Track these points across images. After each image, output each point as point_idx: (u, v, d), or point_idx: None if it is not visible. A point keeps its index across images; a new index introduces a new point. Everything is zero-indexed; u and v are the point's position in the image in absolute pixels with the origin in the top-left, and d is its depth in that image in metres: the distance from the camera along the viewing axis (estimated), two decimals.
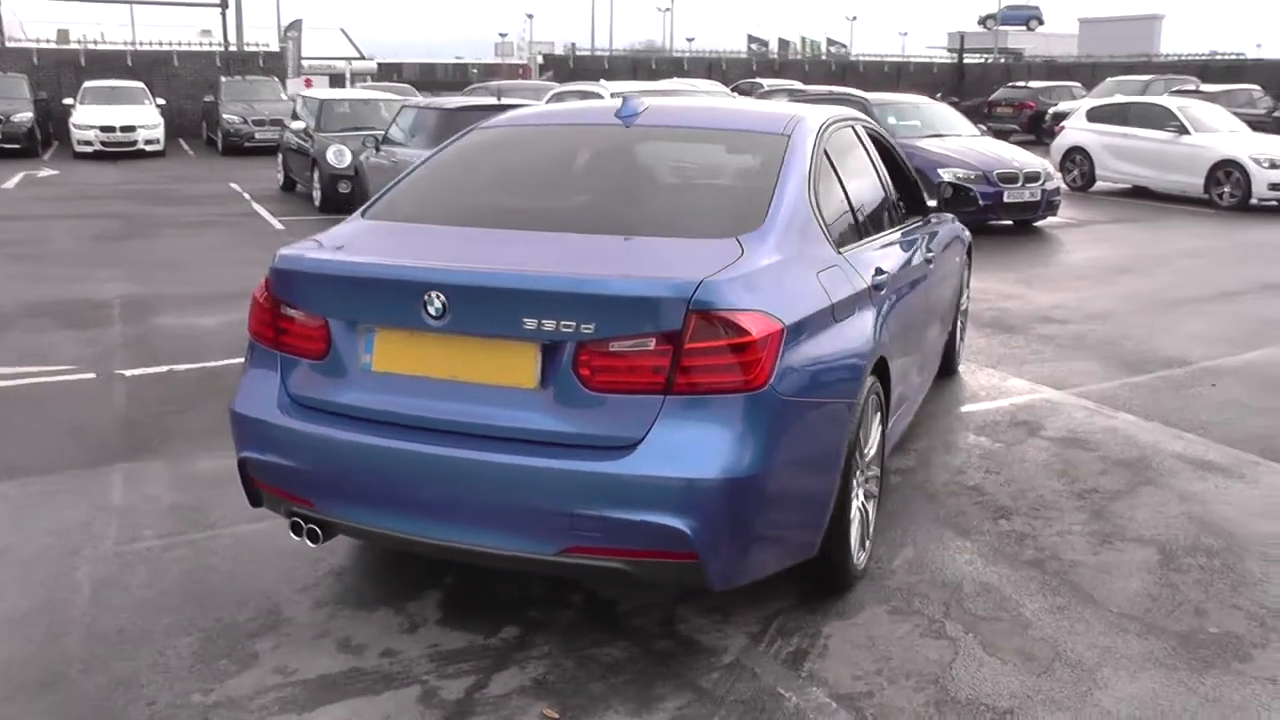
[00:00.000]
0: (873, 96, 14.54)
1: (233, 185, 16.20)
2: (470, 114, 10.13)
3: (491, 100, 10.65)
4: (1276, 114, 20.61)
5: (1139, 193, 16.01)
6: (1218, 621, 3.45)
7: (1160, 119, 15.71)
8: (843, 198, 3.81)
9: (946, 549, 3.95)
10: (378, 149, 11.04)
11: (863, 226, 3.92)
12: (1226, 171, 14.32)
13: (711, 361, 2.76)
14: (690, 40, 66.57)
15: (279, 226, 12.09)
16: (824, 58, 51.82)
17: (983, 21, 68.98)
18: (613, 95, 12.63)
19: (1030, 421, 5.43)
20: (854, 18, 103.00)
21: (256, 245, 10.81)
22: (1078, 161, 16.59)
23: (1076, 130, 17.09)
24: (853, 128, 4.33)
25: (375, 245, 3.32)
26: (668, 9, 73.07)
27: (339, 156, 12.80)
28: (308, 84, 28.21)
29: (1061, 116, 21.84)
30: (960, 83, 38.86)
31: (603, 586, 3.58)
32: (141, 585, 3.67)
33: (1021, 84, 32.19)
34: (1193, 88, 23.86)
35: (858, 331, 3.39)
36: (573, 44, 54.20)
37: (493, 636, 3.31)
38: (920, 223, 4.86)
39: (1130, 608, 3.52)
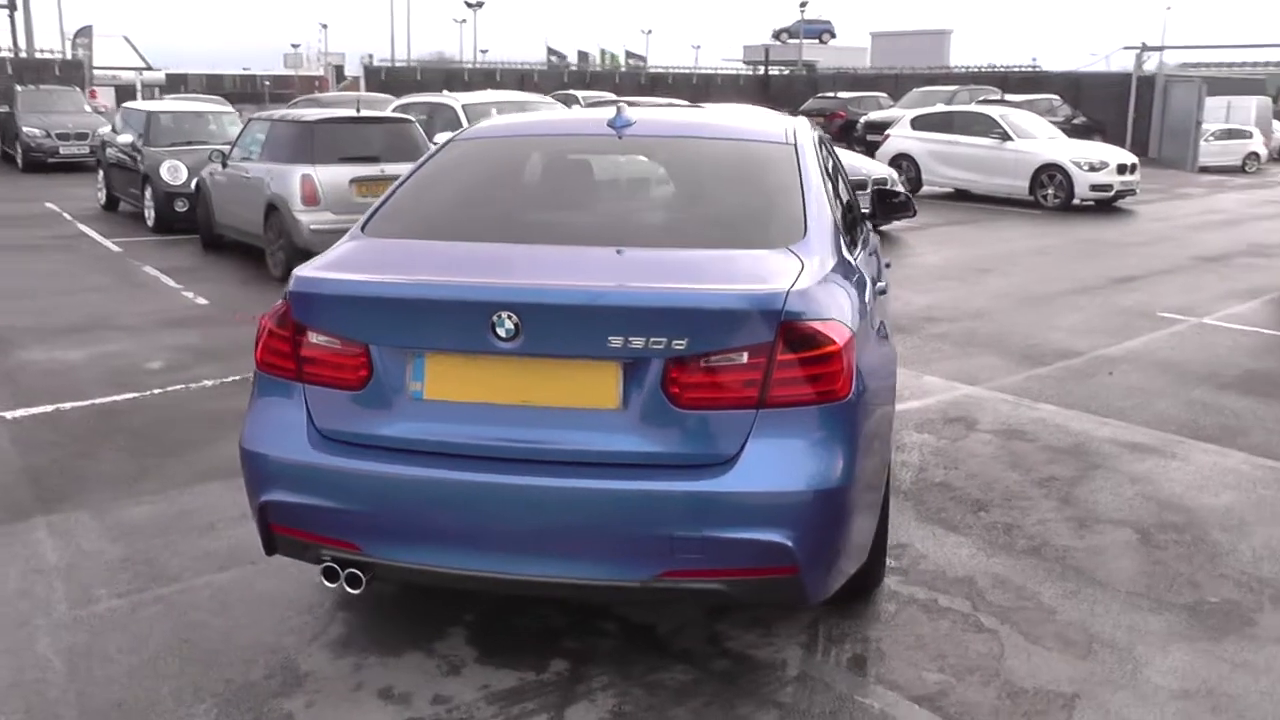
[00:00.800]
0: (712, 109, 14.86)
1: (49, 205, 14.82)
2: (333, 127, 9.70)
3: (352, 113, 10.20)
4: (1075, 121, 22.38)
5: (962, 196, 17.04)
6: (1213, 591, 3.67)
7: (984, 126, 16.85)
8: (838, 205, 3.85)
9: (943, 545, 4.04)
10: (224, 164, 10.38)
11: (854, 233, 3.97)
12: (1050, 175, 15.47)
13: (802, 373, 2.71)
14: (484, 52, 66.11)
15: (115, 249, 11.17)
16: (624, 69, 52.57)
17: (777, 35, 71.82)
18: (463, 106, 12.39)
19: (963, 417, 5.65)
20: (649, 31, 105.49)
21: (99, 270, 10.00)
22: (904, 168, 17.47)
23: (902, 138, 18.06)
24: (820, 136, 4.39)
25: (409, 263, 3.07)
26: (464, 20, 72.47)
27: (174, 173, 11.95)
28: (93, 95, 26.25)
29: (874, 125, 23.03)
30: (766, 93, 40.33)
31: (634, 610, 3.47)
32: (123, 651, 3.28)
33: (830, 94, 33.68)
34: (997, 97, 25.63)
35: (887, 337, 3.43)
36: (370, 55, 52.79)
37: (544, 671, 3.14)
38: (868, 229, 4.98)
39: (1134, 586, 3.71)
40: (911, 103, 29.70)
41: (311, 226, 9.09)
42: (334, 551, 2.91)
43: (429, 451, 2.81)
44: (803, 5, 56.83)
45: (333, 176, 9.21)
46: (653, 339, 2.66)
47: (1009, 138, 16.18)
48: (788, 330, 2.69)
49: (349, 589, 2.96)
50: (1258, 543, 4.06)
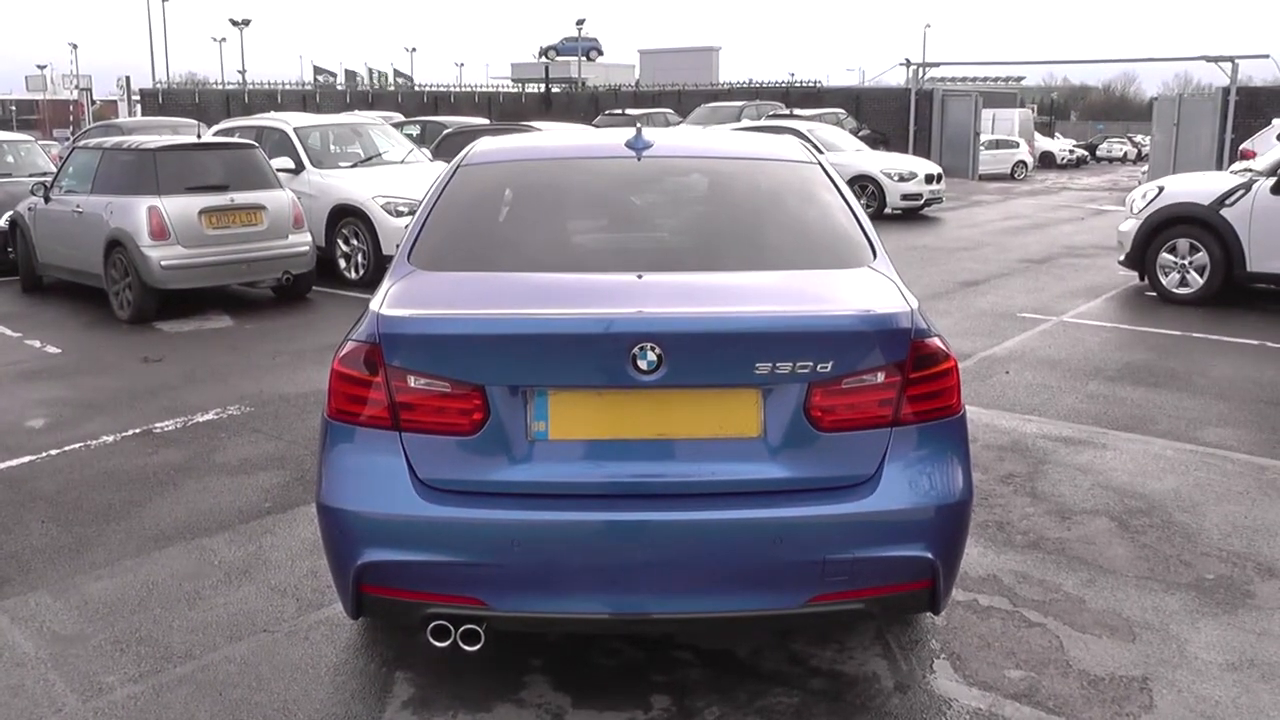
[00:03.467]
0: (543, 125, 14.91)
1: None
2: (177, 155, 9.01)
3: (194, 139, 9.52)
4: (861, 134, 23.78)
5: None
6: (1205, 569, 4.02)
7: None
8: None
9: None
10: (46, 198, 9.41)
11: None
12: (862, 185, 16.39)
13: (929, 389, 2.79)
14: (241, 72, 63.20)
15: None
16: (392, 88, 51.58)
17: (544, 52, 72.38)
18: (295, 130, 11.77)
19: None
20: (414, 49, 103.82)
21: None
22: None
23: None
24: None
25: (501, 297, 2.89)
26: (224, 39, 68.99)
27: None
28: None
29: None
30: (549, 110, 40.63)
31: (703, 637, 3.44)
32: None
33: (618, 111, 34.29)
34: (785, 112, 26.87)
35: None
36: (126, 77, 49.38)
37: (650, 709, 3.05)
38: None
39: (1138, 570, 4.01)
40: (700, 118, 30.72)
41: (163, 263, 8.43)
42: (449, 609, 2.71)
43: (556, 494, 2.68)
44: (580, 23, 57.71)
45: (181, 208, 8.58)
46: (799, 363, 2.66)
47: (820, 151, 17.00)
48: (916, 348, 2.77)
49: (464, 647, 2.76)
50: (1217, 520, 4.48)
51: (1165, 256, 9.17)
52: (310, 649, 3.44)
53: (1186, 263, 9.06)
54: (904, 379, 2.75)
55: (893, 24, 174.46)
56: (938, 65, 32.19)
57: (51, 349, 7.84)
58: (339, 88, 47.17)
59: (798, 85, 38.06)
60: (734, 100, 34.03)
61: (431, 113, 35.73)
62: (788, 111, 28.11)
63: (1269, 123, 17.25)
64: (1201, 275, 8.97)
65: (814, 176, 3.66)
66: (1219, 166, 21.68)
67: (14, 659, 3.41)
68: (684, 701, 3.10)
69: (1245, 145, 15.88)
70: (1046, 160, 38.77)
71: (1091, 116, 78.65)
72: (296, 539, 4.34)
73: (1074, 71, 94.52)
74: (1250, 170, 9.04)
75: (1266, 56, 25.50)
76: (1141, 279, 9.57)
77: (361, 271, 10.52)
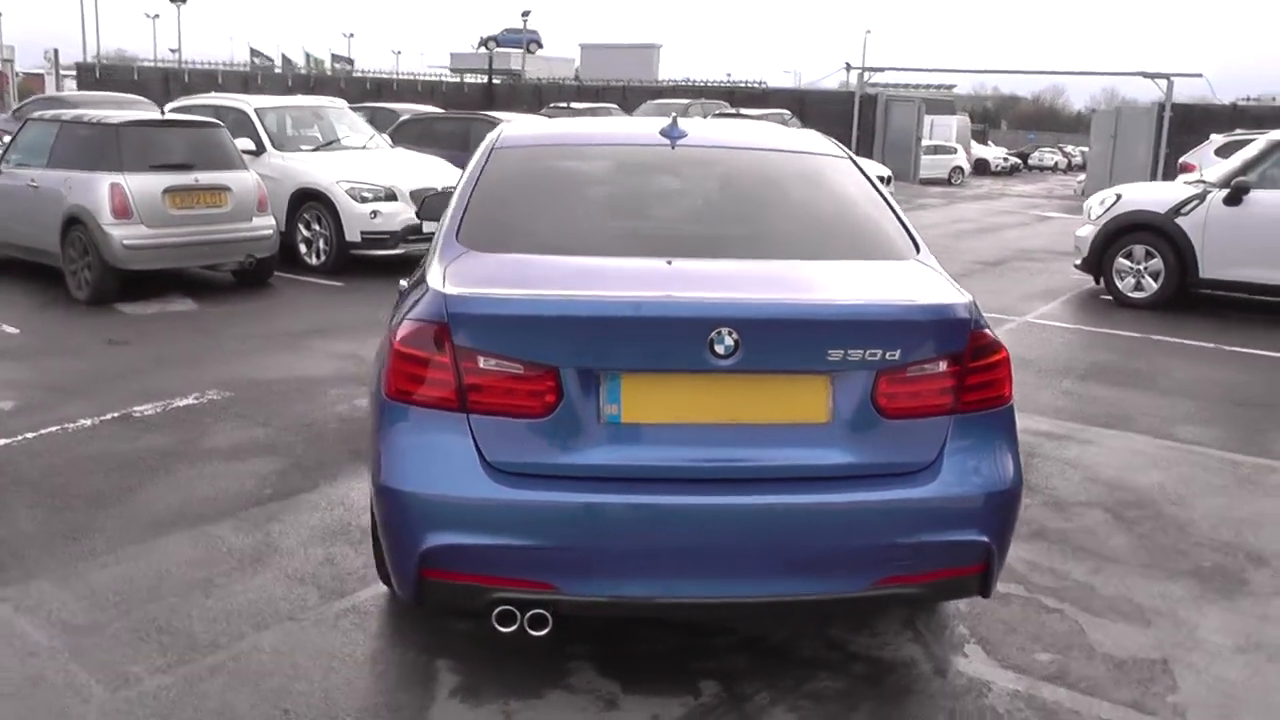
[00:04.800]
0: (509, 117, 14.82)
1: None
2: (141, 130, 8.75)
3: (156, 114, 9.24)
4: None
5: None
6: (1201, 558, 4.18)
7: None
8: None
9: None
10: None
11: None
12: None
13: (985, 379, 2.86)
14: (174, 51, 61.51)
15: None
16: (330, 73, 50.65)
17: (484, 43, 71.76)
18: (256, 110, 11.51)
19: None
20: (351, 34, 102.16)
21: None
22: None
23: None
24: None
25: (567, 279, 2.88)
26: (156, 16, 67.17)
27: None
28: None
29: None
30: (491, 102, 40.29)
31: (741, 624, 3.47)
32: None
33: (563, 105, 34.15)
34: (732, 111, 26.99)
35: None
36: (55, 50, 47.71)
37: (700, 695, 3.07)
38: None
39: (1138, 559, 4.15)
40: (646, 114, 30.84)
41: (125, 242, 8.18)
42: (518, 593, 2.70)
43: (628, 478, 2.69)
44: (525, 15, 57.14)
45: (144, 186, 8.33)
46: (869, 350, 2.70)
47: None
48: (974, 339, 2.83)
49: (531, 632, 2.74)
50: (1204, 512, 4.65)
51: (1121, 261, 9.47)
52: (342, 637, 3.39)
53: (1142, 268, 9.37)
54: (963, 368, 2.81)
55: (830, 29, 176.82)
56: (882, 70, 32.73)
57: (10, 329, 7.56)
58: (276, 71, 46.11)
59: (743, 85, 38.26)
60: (679, 98, 34.14)
61: (374, 99, 35.18)
62: (734, 111, 28.28)
63: (1206, 137, 17.88)
64: (1156, 281, 9.29)
65: (847, 169, 3.72)
66: (1154, 178, 22.45)
67: (26, 649, 3.29)
68: (733, 687, 3.12)
69: (1185, 159, 16.44)
70: (981, 167, 39.68)
71: (1021, 126, 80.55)
72: (305, 526, 4.26)
73: (1004, 81, 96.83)
74: (1204, 182, 9.38)
75: (1199, 75, 26.41)
76: (1097, 282, 9.86)
77: (323, 257, 10.34)
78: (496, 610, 2.72)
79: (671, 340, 2.66)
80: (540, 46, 76.04)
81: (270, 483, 4.74)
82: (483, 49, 70.07)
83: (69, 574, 3.81)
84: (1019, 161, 45.19)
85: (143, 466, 4.90)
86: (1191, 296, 9.33)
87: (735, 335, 2.62)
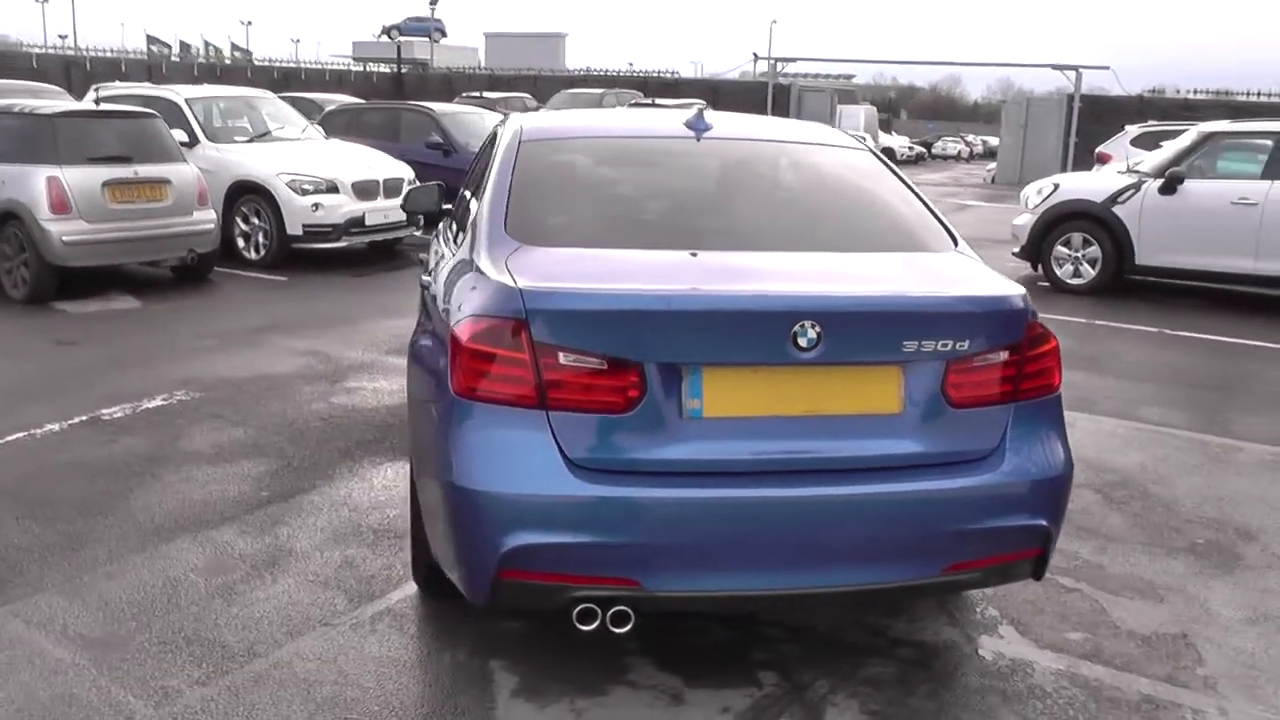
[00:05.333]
0: (441, 108, 14.62)
1: None
2: (78, 121, 8.38)
3: (93, 105, 8.83)
4: None
5: None
6: (1194, 535, 4.37)
7: None
8: None
9: None
10: None
11: None
12: None
13: (1039, 367, 2.94)
14: (63, 38, 58.98)
15: None
16: (229, 62, 49.19)
17: (386, 31, 70.51)
18: (188, 101, 11.10)
19: None
20: (249, 22, 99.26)
21: None
22: None
23: None
24: None
25: (635, 273, 2.86)
26: (46, 0, 64.24)
27: None
28: None
29: None
30: (400, 91, 39.63)
31: (785, 614, 3.50)
32: None
33: (476, 94, 33.77)
34: (648, 101, 27.02)
35: None
36: None
37: (763, 686, 3.10)
38: None
39: (1137, 538, 4.32)
40: (561, 103, 30.63)
41: (64, 238, 7.84)
42: (602, 591, 2.68)
43: (711, 472, 2.69)
44: (433, 4, 56.25)
45: (83, 180, 7.98)
46: (941, 341, 2.76)
47: None
48: (1030, 328, 2.91)
49: (614, 630, 2.73)
50: (1186, 491, 4.86)
51: (1060, 249, 9.80)
52: (383, 641, 3.32)
53: (1080, 255, 9.71)
54: (1022, 357, 2.89)
55: (733, 20, 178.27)
56: (794, 60, 33.19)
57: None
58: (175, 59, 44.49)
59: (655, 75, 38.34)
60: (592, 87, 34.06)
61: (282, 89, 34.29)
62: (649, 101, 28.31)
63: (1113, 128, 18.58)
64: (1093, 267, 9.64)
65: (872, 160, 3.78)
66: (1064, 168, 23.28)
67: (48, 666, 3.14)
68: (792, 676, 3.16)
69: (1101, 149, 17.04)
70: (887, 156, 40.42)
71: (921, 115, 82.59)
72: (314, 529, 4.15)
73: (902, 72, 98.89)
74: (1139, 172, 9.76)
75: (1107, 68, 27.46)
76: (1035, 269, 10.18)
77: (262, 251, 10.05)
78: (578, 609, 2.69)
79: (755, 333, 2.67)
80: (444, 35, 74.90)
81: (265, 485, 4.60)
82: (385, 37, 68.87)
83: (75, 586, 3.64)
84: (924, 150, 46.27)
85: (126, 472, 4.71)
86: (1127, 283, 9.71)
87: (818, 328, 2.64)
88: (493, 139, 4.66)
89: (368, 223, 10.31)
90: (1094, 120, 24.53)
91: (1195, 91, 27.27)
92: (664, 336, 2.67)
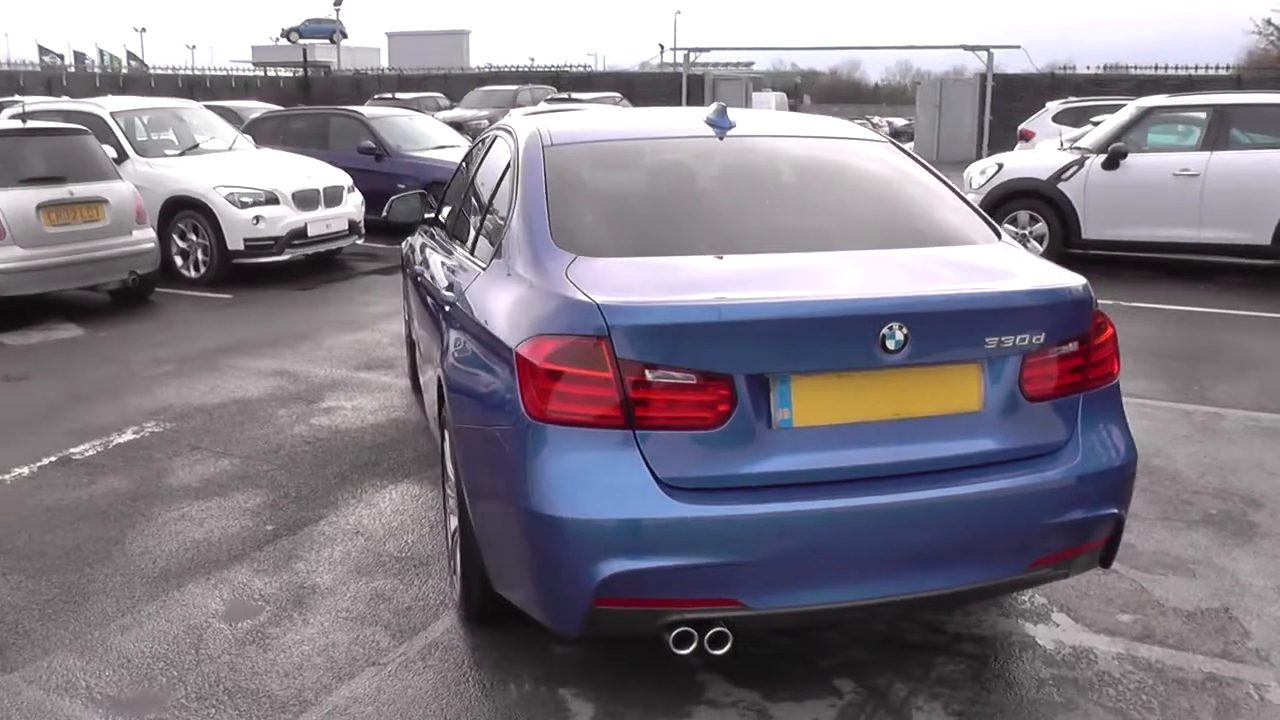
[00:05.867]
0: (371, 111, 14.31)
1: None
2: (7, 141, 7.91)
3: (20, 123, 8.32)
4: None
5: None
6: (1206, 505, 4.46)
7: None
8: None
9: None
10: None
11: None
12: None
13: (1102, 355, 2.94)
14: None
15: None
16: (125, 71, 47.49)
17: (286, 34, 68.87)
18: (113, 114, 10.60)
19: None
20: (143, 29, 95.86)
21: None
22: None
23: None
24: None
25: (707, 282, 2.78)
26: None
27: None
28: None
29: (459, 125, 23.18)
30: (308, 95, 38.71)
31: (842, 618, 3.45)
32: None
33: (388, 95, 33.15)
34: (565, 96, 26.84)
35: None
36: None
37: (843, 695, 3.05)
38: None
39: (1154, 512, 4.38)
40: (475, 102, 30.30)
41: (1, 267, 7.38)
42: (703, 613, 2.60)
43: (804, 483, 2.62)
44: (337, 5, 55.05)
45: (16, 203, 7.58)
46: (1020, 336, 2.74)
47: None
48: (1095, 317, 2.91)
49: (712, 651, 2.65)
50: (1186, 463, 4.96)
51: (1007, 226, 9.94)
52: (439, 676, 3.18)
53: (1027, 232, 9.90)
54: (1089, 346, 2.89)
55: (629, 11, 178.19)
56: (707, 50, 33.23)
57: None
58: (70, 70, 42.70)
59: (567, 69, 38.03)
60: (504, 84, 33.67)
61: (187, 98, 33.26)
62: (565, 95, 28.08)
63: (1026, 105, 19.02)
64: (1041, 243, 9.83)
65: (897, 153, 3.75)
66: (979, 146, 23.81)
67: None
68: (867, 682, 3.11)
69: (1024, 126, 17.44)
70: None
71: (823, 100, 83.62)
72: (332, 562, 3.97)
73: (800, 58, 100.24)
74: (1081, 149, 9.98)
75: (1018, 47, 28.14)
76: None
77: (202, 269, 9.66)
78: (675, 633, 2.60)
79: (844, 339, 2.62)
80: (345, 36, 73.49)
81: (267, 518, 4.39)
82: (285, 40, 67.24)
83: (88, 643, 3.41)
84: None
85: (114, 514, 4.45)
86: (1075, 256, 9.93)
87: (905, 329, 2.60)
88: (485, 145, 4.51)
89: (310, 234, 9.99)
90: (1008, 98, 25.11)
91: (1104, 67, 28.11)
92: (753, 346, 2.59)
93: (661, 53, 33.51)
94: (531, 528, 2.63)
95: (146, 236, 8.55)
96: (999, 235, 3.31)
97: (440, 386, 3.63)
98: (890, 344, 2.59)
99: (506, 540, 2.83)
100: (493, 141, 4.33)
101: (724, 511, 2.55)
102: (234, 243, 9.49)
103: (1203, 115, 9.54)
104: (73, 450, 5.22)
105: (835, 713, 2.96)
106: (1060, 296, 2.87)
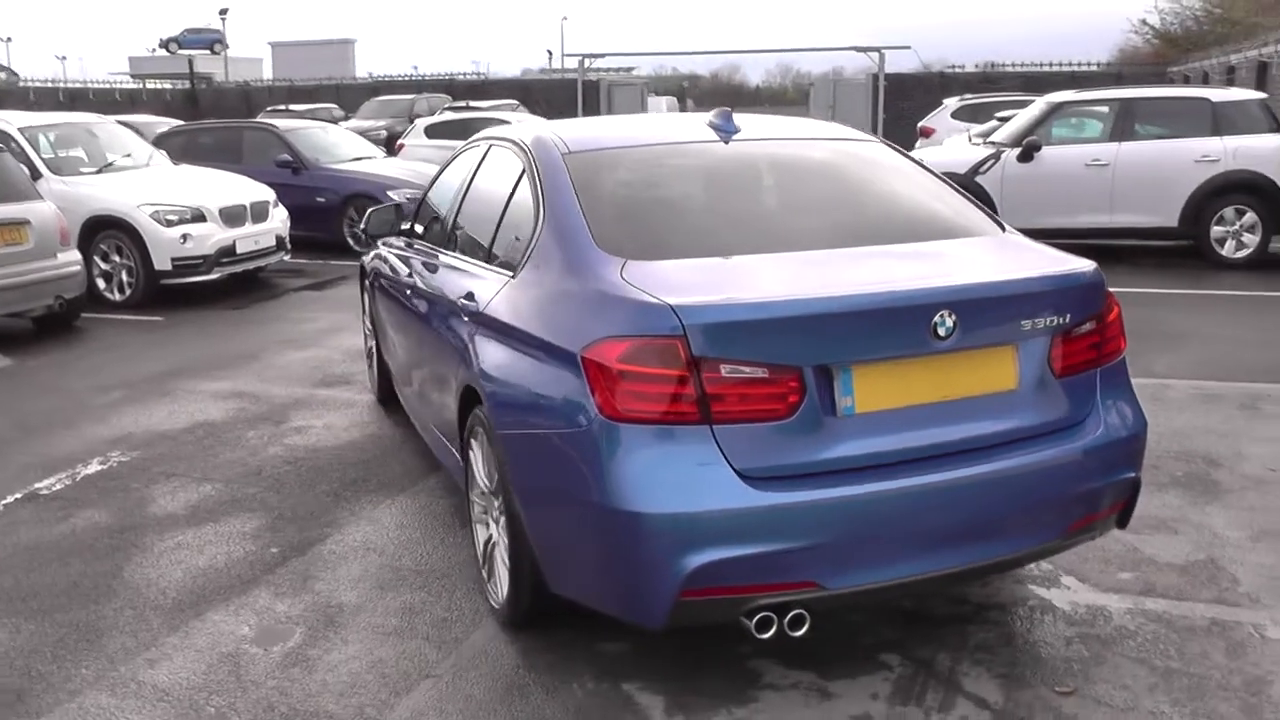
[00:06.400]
0: (285, 124, 13.97)
1: None
2: None
3: None
4: None
5: None
6: (1172, 469, 4.77)
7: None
8: None
9: None
10: None
11: None
12: None
13: (1113, 332, 3.17)
14: None
15: None
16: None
17: (165, 45, 66.67)
18: (20, 130, 10.16)
19: None
20: (9, 39, 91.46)
21: None
22: None
23: (420, 147, 18.13)
24: None
25: (770, 280, 2.91)
26: None
27: None
28: None
29: (395, 137, 22.78)
30: (196, 108, 37.53)
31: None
32: None
33: (282, 107, 32.35)
34: (464, 104, 26.52)
35: None
36: None
37: (892, 669, 3.18)
38: None
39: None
40: (371, 113, 29.86)
41: None
42: (784, 596, 2.71)
43: (868, 466, 2.76)
44: (223, 13, 53.45)
45: None
46: (1050, 317, 2.94)
47: None
48: (1106, 297, 3.12)
49: (791, 634, 2.77)
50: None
51: None
52: (498, 683, 3.20)
53: None
54: (1103, 324, 3.10)
55: (509, 19, 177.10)
56: (602, 55, 33.39)
57: None
58: None
59: (462, 77, 37.61)
60: (399, 93, 33.22)
61: (70, 110, 31.85)
62: (463, 104, 27.84)
63: (934, 103, 19.69)
64: None
65: (891, 152, 3.92)
66: None
67: None
68: (912, 655, 3.26)
69: (924, 123, 18.03)
70: None
71: (705, 103, 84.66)
72: (351, 580, 3.94)
73: (681, 62, 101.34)
74: (995, 143, 10.43)
75: (907, 48, 28.92)
76: None
77: (128, 291, 9.35)
78: (756, 618, 2.70)
79: (900, 327, 2.77)
80: (226, 46, 71.41)
81: (269, 541, 4.32)
82: (164, 51, 65.03)
83: (116, 680, 3.31)
84: None
85: (103, 548, 4.31)
86: None
87: (954, 316, 2.76)
88: (476, 154, 4.50)
89: (239, 251, 9.76)
90: (900, 97, 25.88)
91: (992, 65, 29.22)
92: (820, 338, 2.73)
93: (550, 59, 33.46)
94: (612, 525, 2.69)
95: (72, 259, 8.25)
96: (1003, 227, 3.50)
97: (460, 397, 3.65)
98: (941, 330, 2.76)
99: (577, 540, 2.89)
100: (488, 151, 4.35)
101: (800, 498, 2.67)
102: (161, 263, 9.21)
103: (1105, 109, 10.10)
104: (38, 485, 5.03)
105: (890, 685, 3.10)
106: (1081, 280, 3.07)
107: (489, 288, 3.57)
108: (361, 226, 5.37)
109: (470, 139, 4.87)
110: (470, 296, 3.69)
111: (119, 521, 4.59)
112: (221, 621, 3.66)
